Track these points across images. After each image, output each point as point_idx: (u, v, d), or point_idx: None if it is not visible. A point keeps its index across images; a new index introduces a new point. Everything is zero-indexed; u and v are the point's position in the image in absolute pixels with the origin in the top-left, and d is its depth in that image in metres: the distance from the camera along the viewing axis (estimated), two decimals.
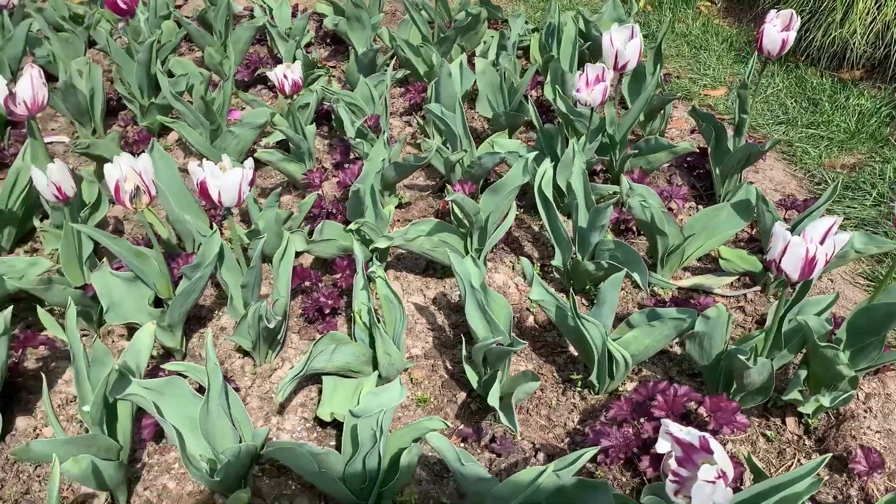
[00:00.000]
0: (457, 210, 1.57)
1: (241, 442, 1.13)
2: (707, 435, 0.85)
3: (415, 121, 2.28)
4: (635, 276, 1.43)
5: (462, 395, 1.40)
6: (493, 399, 1.20)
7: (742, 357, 1.13)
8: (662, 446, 0.91)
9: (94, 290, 1.40)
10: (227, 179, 1.21)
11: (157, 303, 1.46)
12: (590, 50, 2.35)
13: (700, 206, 1.89)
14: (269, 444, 1.07)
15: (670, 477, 0.87)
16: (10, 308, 1.25)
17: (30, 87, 1.50)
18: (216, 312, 1.58)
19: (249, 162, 1.26)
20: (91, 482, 1.09)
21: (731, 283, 1.64)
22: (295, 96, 1.75)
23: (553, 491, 1.04)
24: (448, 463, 1.06)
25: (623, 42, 1.62)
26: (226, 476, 1.09)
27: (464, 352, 1.35)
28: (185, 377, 1.25)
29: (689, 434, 0.87)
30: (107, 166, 1.22)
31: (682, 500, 0.86)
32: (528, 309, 1.60)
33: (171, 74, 2.31)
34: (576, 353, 1.48)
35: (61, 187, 1.34)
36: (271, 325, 1.27)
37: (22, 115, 1.52)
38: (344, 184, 1.78)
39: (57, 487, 0.89)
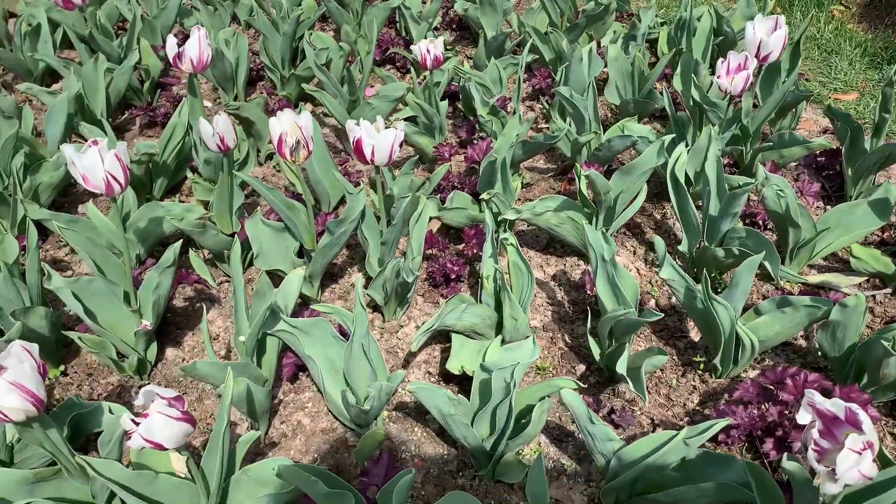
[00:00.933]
0: (584, 190, 1.60)
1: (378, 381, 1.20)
2: (855, 406, 0.86)
3: (538, 105, 2.32)
4: (767, 264, 1.42)
5: (581, 368, 1.43)
6: (620, 367, 1.23)
7: (886, 343, 1.12)
8: (803, 417, 0.92)
9: (243, 236, 1.51)
10: (381, 139, 1.28)
11: (299, 254, 1.56)
12: (720, 46, 2.32)
13: (828, 207, 1.85)
14: (412, 383, 1.13)
15: (812, 446, 0.88)
16: (179, 242, 1.36)
17: (197, 46, 1.62)
18: (347, 271, 1.67)
19: (401, 124, 1.33)
20: (243, 406, 1.18)
21: (861, 283, 1.60)
22: (434, 71, 1.82)
23: (679, 459, 1.07)
24: (578, 420, 1.10)
25: (766, 33, 1.61)
26: (366, 413, 1.16)
27: (588, 324, 1.38)
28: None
29: (835, 405, 0.87)
30: (272, 120, 1.31)
31: (824, 467, 0.86)
32: (648, 293, 1.62)
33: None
34: (696, 339, 1.48)
35: (224, 138, 1.45)
36: (410, 280, 1.33)
37: (185, 73, 1.64)
38: (471, 159, 1.84)
39: (229, 398, 0.97)
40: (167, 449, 0.85)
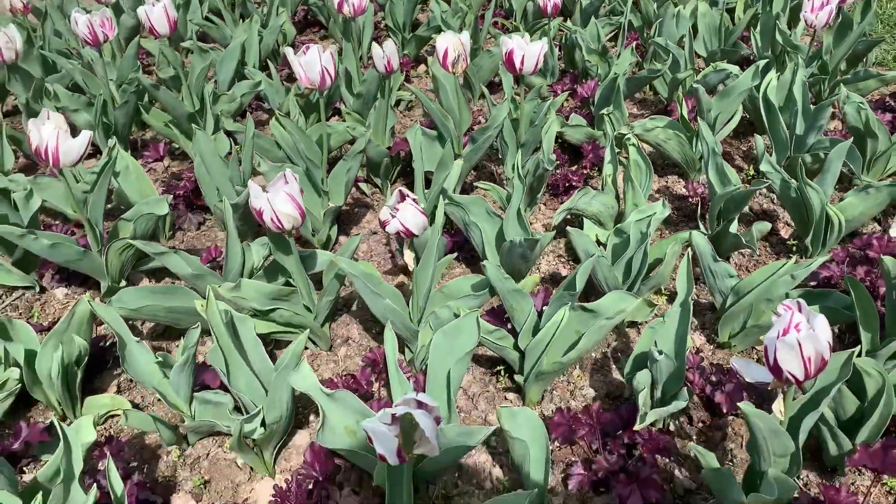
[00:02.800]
0: (685, 114, 1.87)
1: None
2: None
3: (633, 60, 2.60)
4: (850, 164, 1.67)
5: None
6: (733, 228, 1.50)
7: None
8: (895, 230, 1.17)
9: (395, 150, 1.81)
10: (531, 48, 1.58)
11: None
12: (792, 10, 2.58)
13: None
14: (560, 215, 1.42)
15: None
16: (361, 141, 1.67)
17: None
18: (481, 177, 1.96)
19: (544, 39, 1.62)
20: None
21: None
22: (553, 18, 2.11)
23: (783, 294, 1.32)
24: (703, 258, 1.37)
25: None
26: (527, 260, 1.45)
27: (699, 211, 1.65)
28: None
29: None
30: (438, 38, 1.62)
31: None
32: None
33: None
34: (786, 237, 1.73)
35: (391, 60, 1.75)
36: (550, 168, 1.62)
37: (349, 15, 1.96)
38: (580, 96, 2.12)
39: (436, 240, 1.27)
40: (415, 235, 1.14)
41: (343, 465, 1.15)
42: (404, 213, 1.12)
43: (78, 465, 0.97)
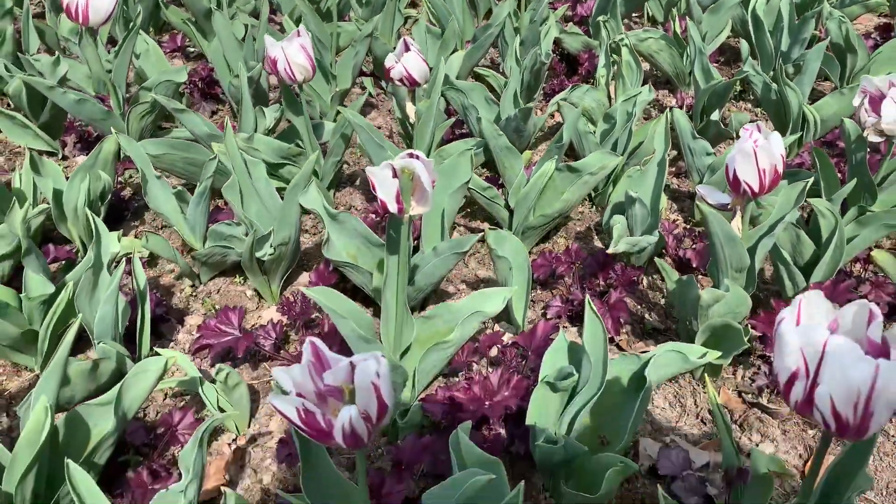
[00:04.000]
0: (677, 30, 1.97)
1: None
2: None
3: None
4: (827, 70, 1.77)
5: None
6: (715, 116, 1.60)
7: None
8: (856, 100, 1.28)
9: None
10: None
11: None
12: None
13: None
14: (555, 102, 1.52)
15: (863, 115, 1.24)
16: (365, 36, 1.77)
17: None
18: None
19: None
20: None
21: None
22: None
23: None
24: (682, 135, 1.48)
25: None
26: (523, 133, 1.56)
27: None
28: None
29: (882, 82, 1.23)
30: None
31: (872, 118, 1.22)
32: None
33: None
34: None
35: None
36: (546, 61, 1.72)
37: None
38: (580, 15, 2.22)
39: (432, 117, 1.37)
40: (418, 83, 1.25)
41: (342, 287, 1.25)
42: (408, 59, 1.22)
43: (107, 256, 1.07)
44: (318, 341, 0.63)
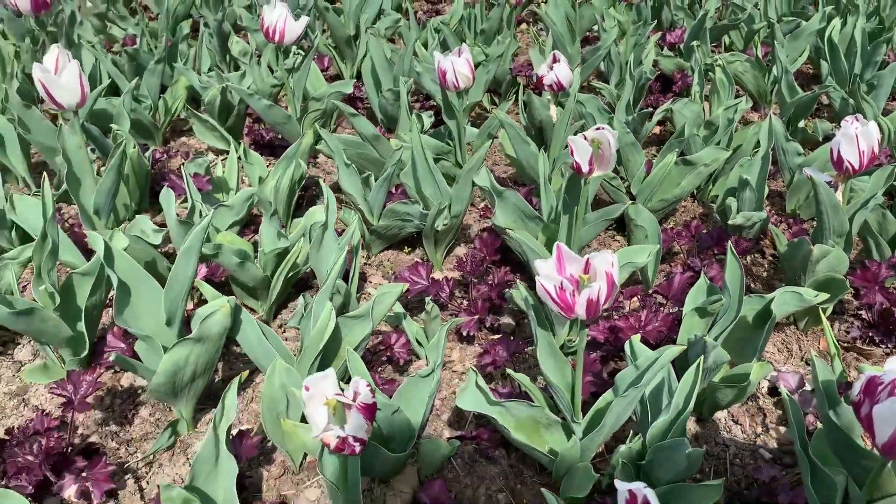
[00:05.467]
0: (759, 54, 2.24)
1: None
2: None
3: None
4: None
5: None
6: (800, 124, 1.86)
7: None
8: None
9: (517, 71, 2.21)
10: None
11: None
12: None
13: None
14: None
15: None
16: None
17: None
18: None
19: None
20: None
21: None
22: None
23: None
24: (777, 138, 1.73)
25: None
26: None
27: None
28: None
29: None
30: None
31: None
32: None
33: None
34: None
35: None
36: (650, 77, 2.00)
37: None
38: (669, 42, 2.51)
39: None
40: (564, 88, 1.53)
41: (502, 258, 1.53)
42: (560, 69, 1.51)
43: (332, 219, 1.37)
44: (563, 245, 0.91)
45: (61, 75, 1.32)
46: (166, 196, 1.33)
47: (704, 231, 1.53)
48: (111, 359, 1.04)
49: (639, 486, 0.60)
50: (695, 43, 2.15)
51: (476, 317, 1.37)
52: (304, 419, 1.10)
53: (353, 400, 0.73)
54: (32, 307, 1.14)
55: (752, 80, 2.23)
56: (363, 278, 1.59)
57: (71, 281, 1.24)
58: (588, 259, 0.88)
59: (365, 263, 1.65)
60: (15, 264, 1.27)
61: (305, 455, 1.15)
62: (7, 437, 1.08)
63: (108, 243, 1.06)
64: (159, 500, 0.97)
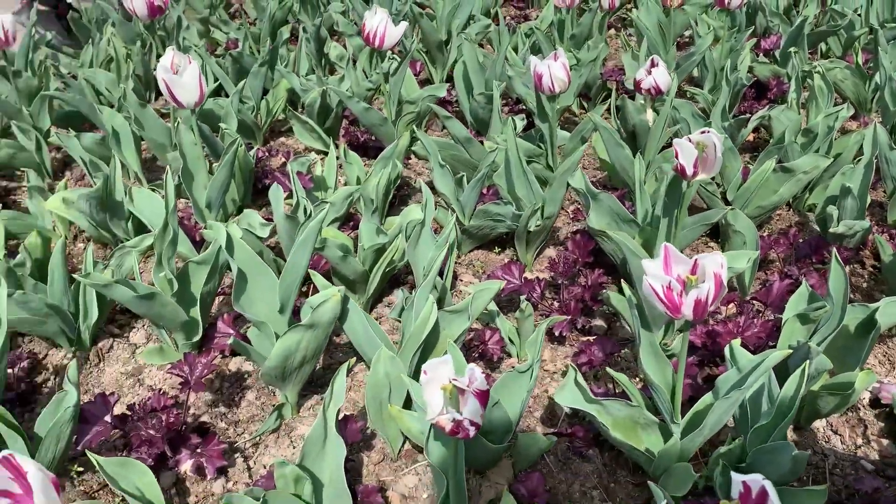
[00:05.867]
0: (859, 61, 2.17)
1: None
2: None
3: None
4: None
5: None
6: None
7: None
8: None
9: (607, 76, 2.21)
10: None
11: None
12: None
13: None
14: None
15: None
16: None
17: None
18: None
19: None
20: None
21: None
22: None
23: None
24: (881, 147, 1.69)
25: None
26: None
27: None
28: None
29: None
30: None
31: None
32: None
33: None
34: None
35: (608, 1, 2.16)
36: (746, 83, 1.97)
37: None
38: (763, 48, 2.46)
39: None
40: (661, 91, 1.54)
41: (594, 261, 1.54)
42: (658, 73, 1.52)
43: (429, 217, 1.41)
44: (670, 245, 0.92)
45: (183, 75, 1.40)
46: (275, 192, 1.40)
47: (802, 240, 1.51)
48: (229, 342, 1.11)
49: (756, 478, 0.61)
50: (792, 49, 2.11)
51: (568, 317, 1.39)
52: (405, 406, 1.14)
53: (469, 386, 0.76)
54: (154, 292, 1.22)
55: (851, 88, 2.18)
56: (454, 276, 1.62)
57: (187, 269, 1.32)
58: (696, 260, 0.89)
59: (456, 262, 1.69)
60: (136, 252, 1.36)
61: (403, 443, 1.19)
62: (129, 412, 1.16)
63: (229, 233, 1.12)
64: (271, 477, 1.03)
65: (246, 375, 1.35)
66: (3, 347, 1.16)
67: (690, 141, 1.09)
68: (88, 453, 1.00)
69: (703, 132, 1.10)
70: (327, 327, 1.12)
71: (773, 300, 1.31)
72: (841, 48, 2.47)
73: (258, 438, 1.22)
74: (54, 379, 1.38)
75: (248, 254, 1.15)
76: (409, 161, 2.06)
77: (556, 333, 1.38)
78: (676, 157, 1.11)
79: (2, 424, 1.05)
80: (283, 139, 2.21)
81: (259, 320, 1.15)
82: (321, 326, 1.11)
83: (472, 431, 0.76)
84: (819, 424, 1.22)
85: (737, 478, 0.63)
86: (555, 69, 1.59)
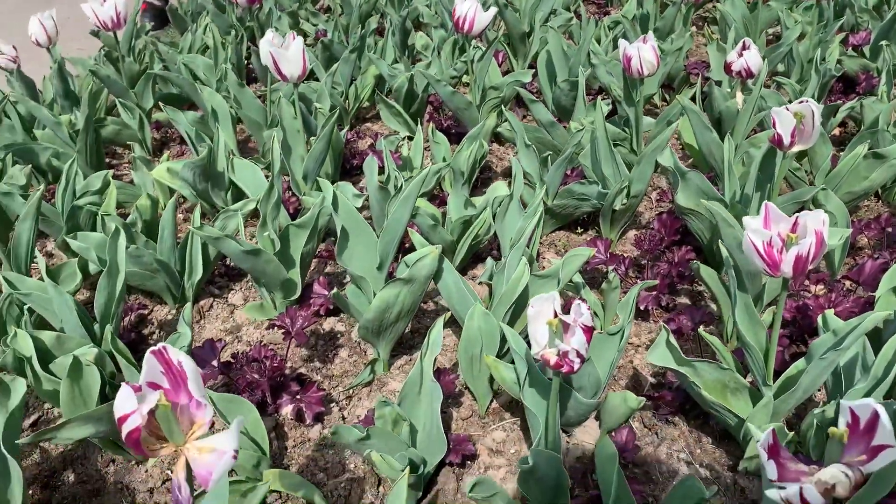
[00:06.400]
0: None
1: None
2: None
3: None
4: None
5: None
6: None
7: None
8: None
9: (691, 69, 2.21)
10: None
11: None
12: None
13: None
14: None
15: None
16: None
17: None
18: None
19: None
20: None
21: None
22: None
23: None
24: None
25: None
26: None
27: None
28: None
29: None
30: None
31: None
32: None
33: None
34: None
35: None
36: (836, 74, 1.95)
37: None
38: (851, 44, 2.42)
39: None
40: (752, 74, 1.54)
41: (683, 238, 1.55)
42: (750, 56, 1.53)
43: (518, 192, 1.45)
44: (771, 203, 0.93)
45: (288, 48, 1.48)
46: (370, 163, 1.45)
47: (893, 227, 1.49)
48: (330, 294, 1.16)
49: (866, 403, 0.62)
50: (884, 42, 2.07)
51: (655, 292, 1.40)
52: None
53: (575, 321, 0.79)
54: (258, 249, 1.29)
55: None
56: (537, 255, 1.66)
57: (288, 232, 1.39)
58: (797, 217, 0.91)
59: (539, 242, 1.72)
60: (239, 215, 1.43)
61: (491, 401, 1.23)
62: (232, 360, 1.23)
63: (336, 192, 1.19)
64: (369, 420, 1.08)
65: (339, 335, 1.41)
66: (121, 294, 1.24)
67: (788, 110, 1.10)
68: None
69: (801, 102, 1.11)
70: (424, 283, 1.17)
71: (865, 279, 1.30)
72: None
73: (352, 391, 1.28)
74: (159, 333, 1.46)
75: (351, 212, 1.21)
76: (492, 147, 2.10)
77: (641, 307, 1.40)
78: (774, 126, 1.12)
79: (122, 359, 1.14)
80: (368, 124, 2.28)
81: (359, 275, 1.20)
82: (418, 281, 1.15)
83: (576, 364, 0.79)
84: None
85: (845, 404, 0.64)
86: (644, 52, 1.61)
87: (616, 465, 0.88)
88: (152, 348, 0.64)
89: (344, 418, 1.24)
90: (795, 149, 1.14)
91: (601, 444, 0.92)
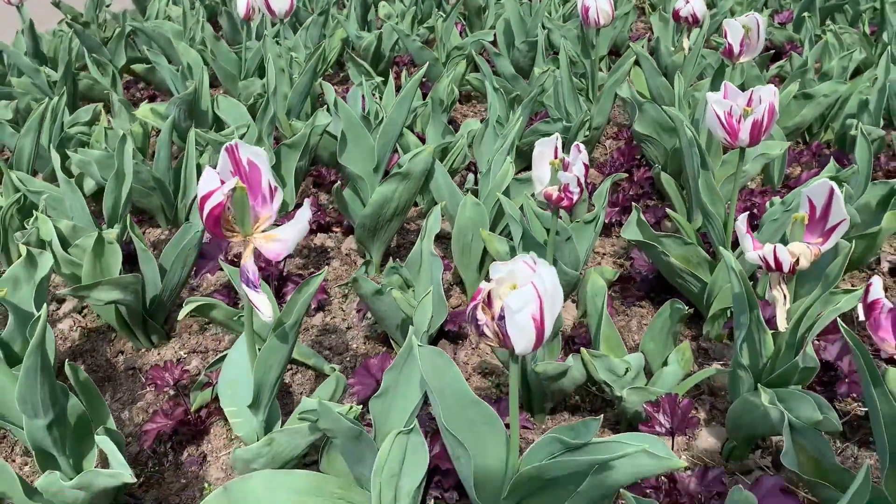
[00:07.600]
0: None
1: None
2: None
3: None
4: None
5: None
6: None
7: None
8: None
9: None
10: None
11: None
12: None
13: None
14: None
15: None
16: None
17: None
18: None
19: None
20: None
21: None
22: None
23: None
24: None
25: None
26: None
27: None
28: None
29: None
30: None
31: None
32: None
33: None
34: None
35: None
36: None
37: None
38: None
39: None
40: (699, 23, 1.72)
41: (640, 164, 1.71)
42: (695, 1, 1.70)
43: (495, 115, 1.58)
44: (729, 83, 1.08)
45: None
46: (354, 94, 1.56)
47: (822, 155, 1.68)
48: (333, 188, 1.26)
49: (822, 182, 0.77)
50: (805, 14, 2.31)
51: (618, 207, 1.55)
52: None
53: (573, 162, 0.92)
54: None
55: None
56: None
57: (280, 150, 1.48)
58: (752, 92, 1.06)
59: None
60: (236, 135, 1.52)
61: None
62: (236, 259, 1.31)
63: (337, 98, 1.29)
64: (365, 309, 1.18)
65: (329, 249, 1.51)
66: (127, 198, 1.31)
67: (737, 21, 1.27)
68: (209, 276, 1.15)
69: (747, 15, 1.27)
70: (419, 178, 1.28)
71: (803, 181, 1.48)
72: (847, 23, 2.68)
73: (347, 289, 1.38)
74: (153, 251, 1.53)
75: (351, 116, 1.32)
76: (456, 106, 2.23)
77: (606, 221, 1.54)
78: (725, 36, 1.28)
79: (139, 242, 1.21)
80: (336, 87, 2.39)
81: (357, 174, 1.31)
82: (414, 176, 1.27)
83: (575, 195, 0.92)
84: None
85: (803, 192, 0.79)
86: (600, 2, 1.77)
87: (604, 296, 1.01)
88: (225, 145, 0.74)
89: (343, 310, 1.33)
90: (743, 59, 1.30)
91: (591, 278, 1.04)
